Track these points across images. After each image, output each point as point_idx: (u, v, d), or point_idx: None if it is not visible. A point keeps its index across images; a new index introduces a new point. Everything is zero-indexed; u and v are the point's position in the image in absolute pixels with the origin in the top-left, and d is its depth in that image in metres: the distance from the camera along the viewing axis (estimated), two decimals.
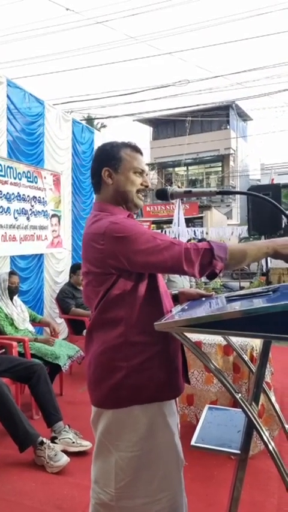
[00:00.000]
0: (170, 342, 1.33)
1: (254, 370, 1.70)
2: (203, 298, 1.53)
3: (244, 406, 1.14)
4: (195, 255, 1.20)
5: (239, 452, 1.24)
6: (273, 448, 1.16)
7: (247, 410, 1.15)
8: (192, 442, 1.33)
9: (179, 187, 1.44)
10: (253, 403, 1.20)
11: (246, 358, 1.73)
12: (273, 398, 1.56)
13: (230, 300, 1.39)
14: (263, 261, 8.43)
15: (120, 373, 1.27)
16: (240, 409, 1.19)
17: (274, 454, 1.15)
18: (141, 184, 1.43)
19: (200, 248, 1.22)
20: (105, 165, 1.41)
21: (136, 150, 1.45)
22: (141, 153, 1.47)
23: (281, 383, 3.74)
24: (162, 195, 1.40)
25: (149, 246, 1.22)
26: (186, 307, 1.40)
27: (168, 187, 1.40)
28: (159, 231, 14.91)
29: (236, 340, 2.04)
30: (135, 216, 1.49)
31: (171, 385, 1.34)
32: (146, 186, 1.44)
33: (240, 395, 1.16)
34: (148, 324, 1.24)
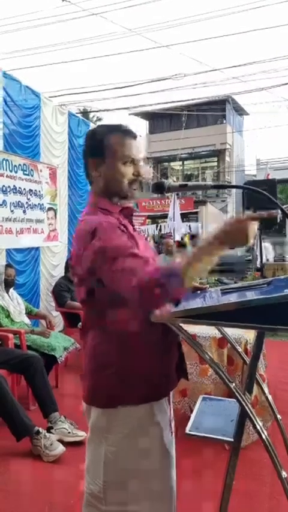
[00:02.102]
0: (161, 343, 1.30)
1: (247, 362, 1.74)
2: (198, 291, 1.55)
3: (237, 395, 1.17)
4: (150, 292, 1.06)
5: (232, 440, 1.26)
6: (266, 437, 1.19)
7: (240, 399, 1.18)
8: (187, 430, 1.36)
9: (174, 182, 1.42)
10: (246, 393, 1.23)
11: (240, 349, 1.77)
12: (266, 390, 1.60)
13: (225, 292, 1.42)
14: (258, 257, 8.50)
15: (108, 375, 1.25)
16: (234, 399, 1.22)
17: (267, 443, 1.18)
18: (133, 174, 1.30)
19: (155, 284, 1.05)
20: (91, 155, 1.31)
21: (126, 134, 1.30)
22: (134, 137, 1.31)
23: (274, 376, 3.79)
24: (159, 189, 1.37)
25: (114, 265, 1.12)
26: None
27: (165, 180, 1.37)
28: (155, 225, 14.90)
29: (231, 334, 2.07)
30: (133, 205, 1.42)
31: (161, 386, 1.31)
32: (138, 176, 1.31)
33: (234, 384, 1.19)
34: (138, 327, 1.22)
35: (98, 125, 1.38)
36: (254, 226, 1.09)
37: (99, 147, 1.29)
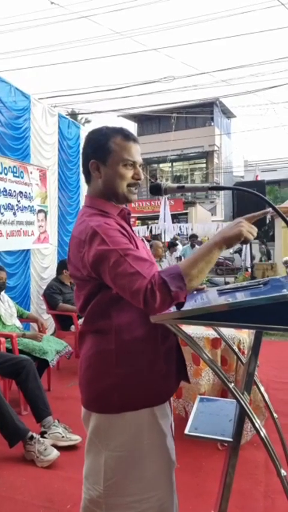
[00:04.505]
0: (161, 346, 1.29)
1: (243, 361, 1.75)
2: (195, 292, 1.56)
3: (237, 395, 1.18)
4: (153, 296, 1.07)
5: (231, 440, 1.27)
6: (264, 434, 1.20)
7: (240, 399, 1.18)
8: (186, 431, 1.36)
9: (168, 183, 1.41)
10: (245, 392, 1.24)
11: (236, 349, 1.78)
12: (262, 389, 1.61)
13: (221, 293, 1.43)
14: (248, 257, 8.57)
15: (110, 380, 1.24)
16: (230, 399, 1.23)
17: (265, 440, 1.19)
18: (133, 177, 1.31)
19: (156, 286, 1.07)
20: (92, 156, 1.30)
21: (128, 137, 1.30)
22: (134, 141, 1.31)
23: (266, 375, 3.83)
24: (156, 191, 1.36)
25: (118, 268, 1.12)
26: None
27: (162, 182, 1.37)
28: (145, 227, 14.91)
29: (225, 333, 2.08)
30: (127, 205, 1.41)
31: (162, 390, 1.30)
32: (138, 179, 1.32)
33: (233, 384, 1.19)
34: (138, 331, 1.23)
35: (99, 127, 1.36)
36: (248, 224, 1.14)
37: (101, 149, 1.29)
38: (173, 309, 1.17)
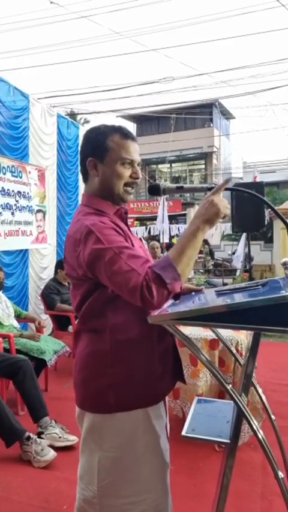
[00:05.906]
0: (157, 346, 1.28)
1: (241, 362, 1.75)
2: (193, 293, 1.56)
3: (235, 397, 1.18)
4: (149, 291, 1.07)
5: (228, 441, 1.27)
6: (262, 436, 1.20)
7: (237, 401, 1.18)
8: (183, 433, 1.35)
9: (168, 183, 1.40)
10: (243, 394, 1.24)
11: (234, 350, 1.77)
12: (260, 390, 1.61)
13: (220, 294, 1.42)
14: (241, 257, 8.59)
15: (105, 380, 1.23)
16: (228, 401, 1.23)
17: (263, 442, 1.19)
18: (131, 177, 1.30)
19: (151, 281, 1.07)
20: (90, 154, 1.30)
21: (126, 136, 1.29)
22: (132, 139, 1.30)
23: (263, 377, 3.83)
24: (155, 191, 1.35)
25: (113, 266, 1.12)
26: (177, 302, 1.42)
27: (161, 182, 1.37)
28: (144, 227, 14.92)
29: (223, 334, 2.08)
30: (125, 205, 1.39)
31: (157, 391, 1.29)
32: (136, 178, 1.31)
33: (230, 385, 1.19)
34: (134, 331, 1.22)
35: (97, 125, 1.35)
36: (220, 197, 1.19)
37: (99, 147, 1.29)
38: (171, 309, 1.17)
